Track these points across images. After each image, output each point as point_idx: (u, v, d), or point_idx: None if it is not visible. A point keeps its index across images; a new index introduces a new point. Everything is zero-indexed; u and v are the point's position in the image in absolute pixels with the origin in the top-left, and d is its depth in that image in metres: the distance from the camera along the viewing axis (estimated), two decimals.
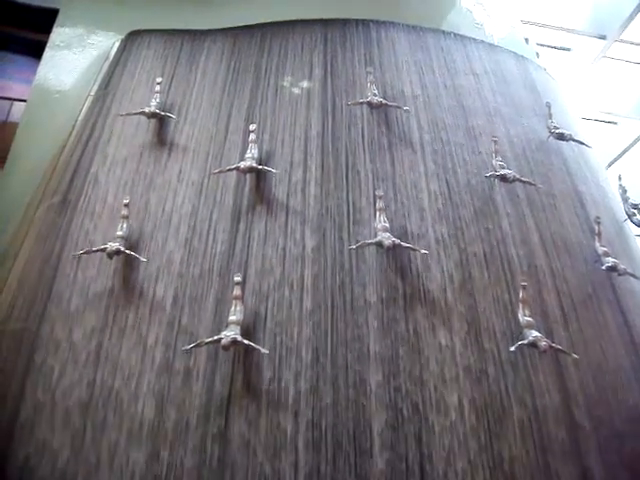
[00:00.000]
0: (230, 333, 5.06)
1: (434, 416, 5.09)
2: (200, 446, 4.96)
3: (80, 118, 7.89)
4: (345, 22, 7.60)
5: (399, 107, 6.68)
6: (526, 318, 5.48)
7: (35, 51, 9.90)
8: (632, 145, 13.04)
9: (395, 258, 5.73)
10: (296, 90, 6.96)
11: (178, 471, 4.88)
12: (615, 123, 13.03)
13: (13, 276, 6.87)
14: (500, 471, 4.97)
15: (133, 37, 8.15)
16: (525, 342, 5.29)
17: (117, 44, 8.25)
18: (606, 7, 10.47)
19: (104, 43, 8.56)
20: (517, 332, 5.50)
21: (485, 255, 6.03)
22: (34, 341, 5.86)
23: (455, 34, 8.07)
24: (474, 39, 8.19)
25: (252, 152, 6.18)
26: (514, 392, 5.35)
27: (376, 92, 6.68)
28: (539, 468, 5.08)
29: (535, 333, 5.31)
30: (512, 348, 5.27)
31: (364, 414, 5.03)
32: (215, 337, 5.12)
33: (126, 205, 6.17)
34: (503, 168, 6.43)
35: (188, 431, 5.03)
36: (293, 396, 5.08)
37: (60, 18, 9.05)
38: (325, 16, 7.63)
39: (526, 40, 9.19)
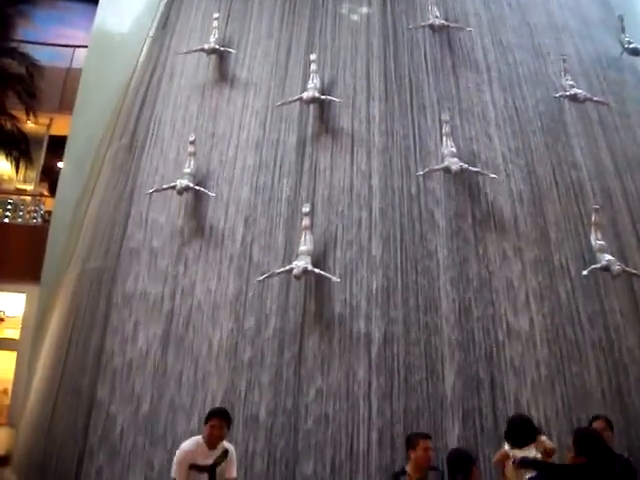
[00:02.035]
0: (301, 263, 5.16)
1: (505, 339, 5.10)
2: (277, 365, 5.15)
3: (141, 59, 7.96)
4: None
5: (462, 28, 6.45)
6: (599, 242, 5.36)
7: None
8: None
9: (463, 183, 5.65)
10: (355, 17, 6.79)
11: (255, 387, 5.11)
12: None
13: (89, 218, 7.14)
14: (572, 387, 5.00)
15: None
16: (598, 266, 5.19)
17: None
18: None
19: None
20: (590, 256, 5.40)
21: (556, 178, 5.87)
22: (113, 277, 6.15)
23: None
24: None
25: (314, 82, 6.12)
26: (586, 316, 5.30)
27: (437, 14, 6.45)
28: (611, 389, 5.09)
29: (608, 257, 5.21)
30: (585, 272, 5.18)
31: (435, 335, 5.09)
32: (286, 267, 5.25)
33: (192, 142, 6.28)
34: (573, 87, 6.19)
35: (265, 358, 5.21)
36: (364, 321, 5.16)
37: None
38: None
39: None
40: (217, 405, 4.88)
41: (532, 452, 3.47)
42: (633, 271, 5.31)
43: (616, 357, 5.20)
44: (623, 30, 7.11)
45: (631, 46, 6.95)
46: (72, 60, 10.55)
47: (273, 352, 5.22)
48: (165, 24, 7.78)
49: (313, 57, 6.34)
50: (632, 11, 7.94)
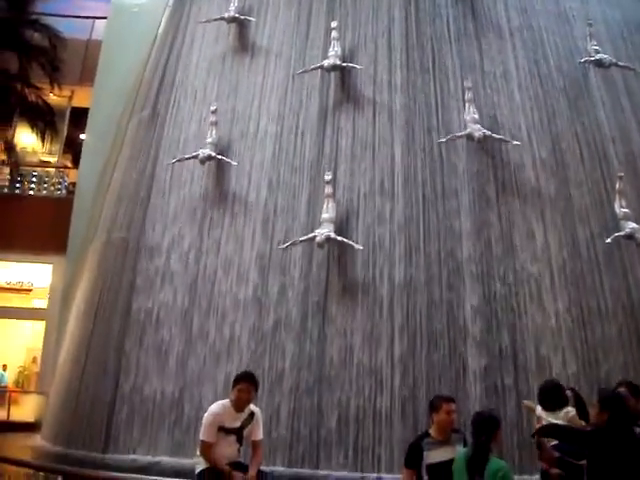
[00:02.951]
0: (324, 230, 5.19)
1: (527, 306, 5.13)
2: (301, 329, 5.22)
3: (160, 30, 7.95)
4: None
5: None
6: (623, 210, 5.33)
7: None
8: None
9: (486, 150, 5.62)
10: None
11: (280, 350, 5.20)
12: None
13: (113, 188, 7.22)
14: (593, 351, 5.05)
15: None
16: (622, 234, 5.18)
17: None
18: None
19: None
20: (613, 224, 5.37)
21: (580, 145, 5.83)
22: (138, 246, 6.24)
23: None
24: None
25: (335, 50, 6.06)
26: (609, 285, 5.30)
27: None
28: (632, 352, 5.12)
29: (632, 225, 5.19)
30: (608, 240, 5.17)
31: (459, 301, 5.12)
32: (310, 235, 5.28)
33: (214, 112, 6.27)
34: (598, 52, 6.09)
35: (289, 324, 5.27)
36: (387, 289, 5.19)
37: None
38: None
39: None
40: (244, 368, 5.00)
41: (561, 417, 3.52)
42: None
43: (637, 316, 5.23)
44: None
45: None
46: (92, 32, 10.60)
47: (297, 317, 5.28)
48: None
49: (334, 24, 6.27)
50: None
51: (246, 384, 3.66)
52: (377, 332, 5.11)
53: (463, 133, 5.49)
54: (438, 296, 5.16)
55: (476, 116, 5.56)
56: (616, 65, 6.13)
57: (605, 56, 6.07)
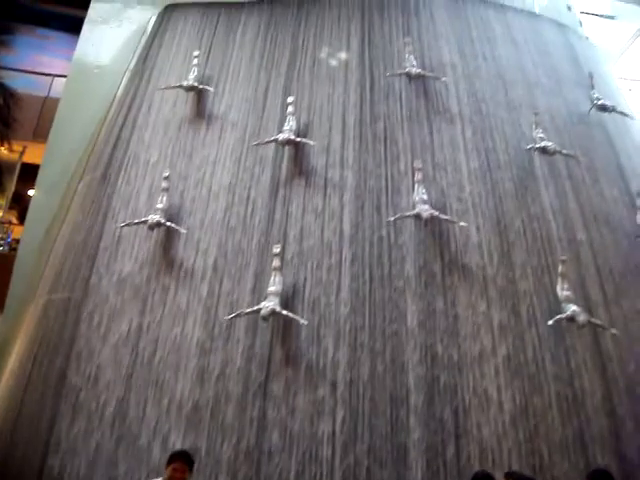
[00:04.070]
0: (269, 304, 5.15)
1: (470, 387, 5.12)
2: (241, 409, 5.09)
3: (119, 93, 7.98)
4: None
5: (437, 78, 6.60)
6: (565, 292, 5.44)
7: (74, 27, 10.00)
8: None
9: (433, 230, 5.71)
10: (333, 61, 6.92)
11: (219, 427, 5.05)
12: None
13: (58, 246, 7.05)
14: (536, 437, 5.02)
15: (170, 11, 8.16)
16: (563, 316, 5.26)
17: (154, 18, 8.27)
18: None
19: (141, 17, 8.59)
20: (556, 306, 5.46)
21: (525, 228, 5.97)
22: (79, 309, 6.04)
23: (495, 3, 7.88)
24: (515, 8, 8.00)
25: (290, 124, 6.19)
26: (552, 366, 5.34)
27: (414, 63, 6.60)
28: (574, 440, 5.10)
29: (574, 307, 5.28)
30: (550, 322, 5.25)
31: (402, 378, 5.09)
32: (255, 307, 5.23)
33: (166, 178, 6.27)
34: (543, 140, 6.33)
35: (229, 399, 5.15)
36: (331, 364, 5.15)
37: None
38: None
39: (569, 8, 8.92)
40: (179, 447, 4.84)
41: None
42: (598, 322, 5.38)
43: (579, 408, 5.22)
44: (592, 87, 7.32)
45: (599, 103, 7.13)
46: (50, 89, 10.57)
47: (238, 392, 5.16)
48: (145, 59, 7.82)
49: (290, 99, 6.43)
50: (601, 68, 8.23)
51: (180, 463, 3.57)
52: (319, 407, 5.03)
53: (411, 213, 5.58)
54: (381, 374, 5.12)
55: (425, 197, 5.67)
56: (560, 153, 6.35)
57: (550, 144, 6.29)
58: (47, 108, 9.98)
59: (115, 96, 7.99)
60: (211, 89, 6.88)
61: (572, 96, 7.34)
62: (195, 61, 7.13)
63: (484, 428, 4.98)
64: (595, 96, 7.23)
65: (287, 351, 5.27)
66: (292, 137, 6.07)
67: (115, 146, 7.08)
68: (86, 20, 9.32)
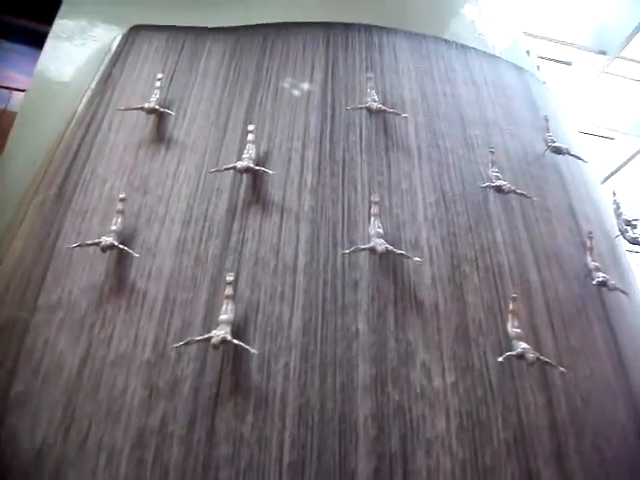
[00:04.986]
0: (220, 332, 5.07)
1: (420, 424, 5.10)
2: (187, 440, 4.96)
3: (79, 111, 7.87)
4: (347, 26, 7.62)
5: (398, 114, 6.71)
6: (515, 330, 5.51)
7: (36, 41, 9.89)
8: (628, 161, 13.13)
9: (387, 264, 5.75)
10: (296, 92, 6.97)
11: (165, 462, 4.88)
12: (612, 139, 13.11)
13: (6, 264, 6.87)
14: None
15: (135, 32, 8.14)
16: (513, 353, 5.32)
17: (119, 38, 8.22)
18: (608, 23, 10.53)
19: (106, 36, 8.52)
20: (506, 343, 5.52)
21: (477, 265, 6.05)
22: (25, 329, 5.86)
23: (457, 43, 8.10)
24: (475, 49, 8.23)
25: (249, 152, 6.19)
26: (501, 403, 5.37)
27: (376, 98, 6.70)
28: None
29: (523, 345, 5.35)
30: (500, 359, 5.30)
31: (350, 418, 5.04)
32: (205, 335, 5.14)
33: (122, 200, 6.17)
34: (499, 179, 6.47)
35: (175, 427, 5.02)
36: (280, 396, 5.09)
37: (63, 9, 9.01)
38: (328, 19, 7.65)
39: (527, 52, 9.22)
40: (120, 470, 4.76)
41: None
42: (547, 360, 5.44)
43: (527, 445, 5.23)
44: (547, 130, 7.52)
45: (554, 145, 7.35)
46: (8, 102, 10.40)
47: (185, 419, 5.03)
48: (107, 78, 7.76)
49: (251, 127, 6.42)
50: (557, 112, 8.50)
51: None
52: (267, 438, 4.92)
53: (366, 246, 5.59)
54: (331, 405, 5.07)
55: (380, 230, 5.70)
56: (514, 192, 6.48)
57: (504, 183, 6.43)
58: (4, 122, 9.81)
59: (74, 114, 7.87)
60: (172, 113, 6.84)
61: (528, 137, 7.53)
62: (158, 84, 7.07)
63: (430, 458, 4.96)
64: (550, 138, 7.43)
65: (237, 380, 5.18)
66: (251, 165, 6.05)
67: (71, 165, 6.95)
68: (50, 35, 9.20)
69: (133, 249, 5.90)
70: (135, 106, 6.91)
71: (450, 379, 5.37)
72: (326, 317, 5.44)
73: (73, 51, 9.23)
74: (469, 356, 5.54)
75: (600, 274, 6.40)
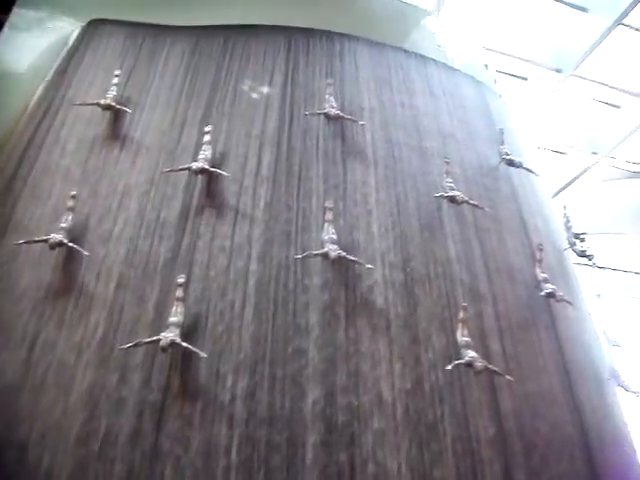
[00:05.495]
0: (169, 334, 5.02)
1: (368, 436, 5.10)
2: (133, 440, 4.89)
3: (33, 103, 7.67)
4: (309, 32, 7.66)
5: (355, 121, 6.75)
6: (464, 338, 5.56)
7: None
8: (579, 176, 13.48)
9: (340, 271, 5.76)
10: (255, 95, 6.96)
11: (108, 465, 4.79)
12: (564, 153, 13.44)
13: None
14: None
15: (94, 26, 7.99)
16: (462, 361, 5.37)
17: (77, 31, 8.05)
18: (564, 42, 10.79)
19: (65, 29, 8.33)
20: (455, 351, 5.58)
21: (429, 273, 6.12)
22: None
23: (417, 54, 8.22)
24: (435, 61, 8.36)
25: (205, 153, 6.14)
26: (449, 410, 5.42)
27: (334, 104, 6.74)
28: None
29: (472, 353, 5.40)
30: (449, 366, 5.34)
31: (298, 426, 5.02)
32: (154, 337, 5.06)
33: (73, 197, 6.04)
34: (453, 190, 6.54)
35: (121, 431, 4.93)
36: (229, 399, 5.05)
37: None
38: (290, 24, 7.67)
39: (486, 66, 9.38)
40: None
41: None
42: (495, 369, 5.50)
43: (474, 452, 5.29)
44: (502, 142, 7.65)
45: (508, 157, 7.48)
46: None
47: (130, 424, 4.93)
48: (64, 72, 7.59)
49: (208, 128, 6.38)
50: (512, 125, 8.66)
51: None
52: (215, 443, 4.87)
53: (319, 251, 5.60)
54: (279, 411, 5.04)
55: (334, 236, 5.72)
56: (467, 203, 6.57)
57: (458, 193, 6.50)
58: None
59: (28, 106, 7.68)
60: (129, 110, 6.75)
61: (483, 149, 7.67)
62: (115, 80, 6.97)
63: (378, 465, 4.97)
64: (504, 151, 7.56)
65: (185, 384, 5.11)
66: (206, 166, 6.01)
67: (22, 159, 6.76)
68: (7, 25, 8.96)
69: (83, 247, 5.78)
70: (91, 101, 6.80)
71: (399, 386, 5.39)
72: (277, 321, 5.42)
73: (30, 42, 8.99)
74: (418, 363, 5.57)
75: (548, 285, 6.52)
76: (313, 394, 5.15)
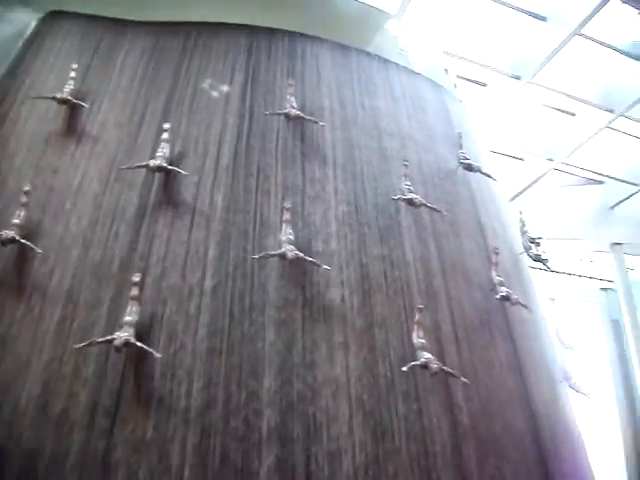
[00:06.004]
0: (123, 334, 4.93)
1: (324, 429, 5.11)
2: (85, 442, 4.79)
3: None
4: (272, 32, 7.63)
5: (315, 122, 6.76)
6: (420, 340, 5.61)
7: None
8: (535, 182, 13.75)
9: (297, 271, 5.75)
10: (215, 94, 6.91)
11: (60, 465, 4.70)
12: (521, 159, 13.70)
13: None
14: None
15: (52, 18, 7.82)
16: (417, 363, 5.40)
17: (35, 23, 7.87)
18: (524, 50, 10.99)
19: (21, 20, 8.12)
20: (411, 353, 5.61)
21: (386, 275, 6.15)
22: None
23: (379, 57, 8.27)
24: (396, 64, 8.42)
25: (163, 151, 6.08)
26: (404, 411, 5.45)
27: (294, 104, 6.73)
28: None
29: (427, 355, 5.44)
30: (404, 368, 5.37)
31: (253, 429, 4.98)
32: (108, 337, 4.96)
33: (26, 193, 5.92)
34: (411, 192, 6.60)
35: (73, 429, 4.84)
36: (184, 401, 4.99)
37: None
38: (252, 22, 7.63)
39: (446, 71, 9.48)
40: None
41: None
42: (450, 370, 5.56)
43: (429, 455, 5.33)
44: (461, 146, 7.76)
45: (466, 162, 7.58)
46: None
47: (82, 426, 4.84)
48: (19, 64, 7.41)
49: (167, 126, 6.32)
50: (470, 130, 8.78)
51: None
52: (169, 443, 4.80)
53: (277, 252, 5.58)
54: (235, 411, 4.99)
55: (291, 237, 5.71)
56: (425, 206, 6.63)
57: (416, 196, 6.56)
58: None
59: None
60: (86, 105, 6.63)
61: (442, 153, 7.76)
62: (72, 74, 6.83)
63: (337, 469, 4.97)
64: (463, 155, 7.66)
65: (139, 384, 5.05)
66: (164, 164, 5.95)
67: None
68: None
69: (36, 244, 5.66)
70: (47, 95, 6.65)
71: (354, 387, 5.40)
72: (233, 320, 5.38)
73: None
74: (374, 364, 5.59)
75: (504, 289, 6.62)
76: (269, 391, 5.13)
